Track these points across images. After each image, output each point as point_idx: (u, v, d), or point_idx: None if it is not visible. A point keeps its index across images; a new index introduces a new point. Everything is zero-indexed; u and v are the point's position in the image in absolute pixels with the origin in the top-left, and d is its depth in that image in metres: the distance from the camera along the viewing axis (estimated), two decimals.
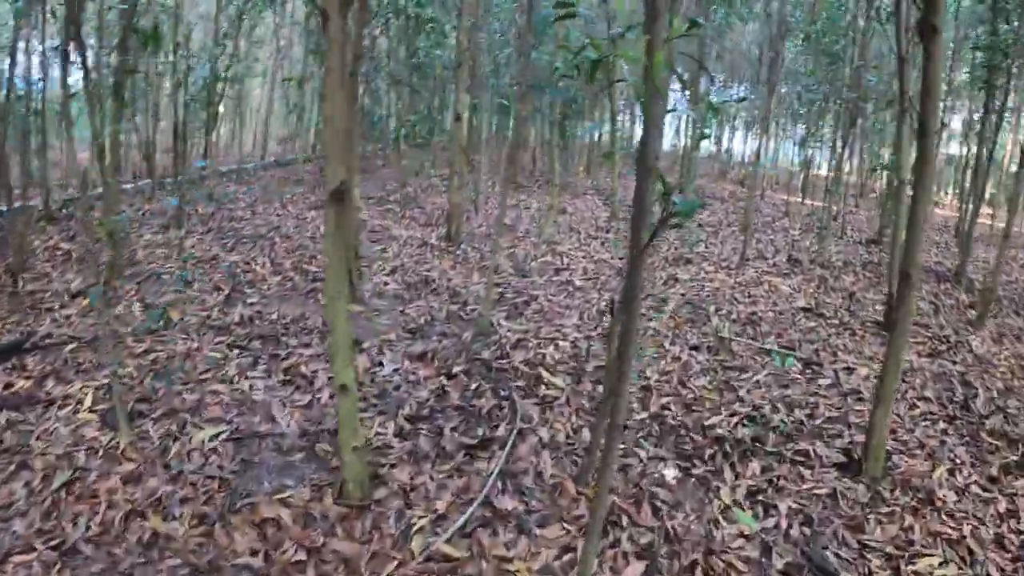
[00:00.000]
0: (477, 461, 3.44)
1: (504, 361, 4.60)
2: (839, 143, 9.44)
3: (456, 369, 4.51)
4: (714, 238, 9.78)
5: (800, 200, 15.10)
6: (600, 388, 4.22)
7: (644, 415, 3.86)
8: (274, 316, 5.67)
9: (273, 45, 16.07)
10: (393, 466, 3.45)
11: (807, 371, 4.64)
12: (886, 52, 10.91)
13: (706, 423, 3.78)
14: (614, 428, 2.07)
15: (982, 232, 12.84)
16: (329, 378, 4.34)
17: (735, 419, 3.83)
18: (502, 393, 4.16)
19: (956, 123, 15.90)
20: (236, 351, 4.92)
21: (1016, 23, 7.22)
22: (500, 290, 6.26)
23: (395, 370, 4.60)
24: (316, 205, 10.85)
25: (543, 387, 4.23)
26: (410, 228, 9.09)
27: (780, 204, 14.16)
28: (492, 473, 3.29)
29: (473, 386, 4.28)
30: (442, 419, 3.91)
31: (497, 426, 3.79)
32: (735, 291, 6.60)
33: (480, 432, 3.73)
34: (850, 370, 4.69)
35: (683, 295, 6.29)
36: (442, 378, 4.41)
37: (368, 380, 4.49)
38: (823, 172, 21.02)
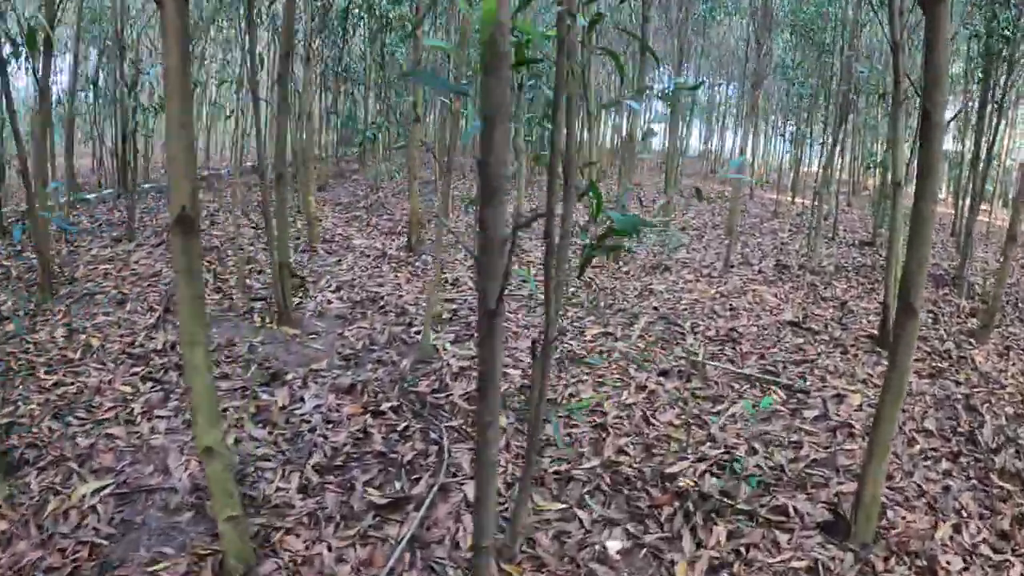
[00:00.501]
0: (388, 525, 2.87)
1: (442, 395, 4.02)
2: (829, 139, 8.86)
3: (385, 405, 3.94)
4: (698, 242, 9.21)
5: (791, 199, 14.56)
6: (549, 427, 3.64)
7: (595, 462, 3.28)
8: None
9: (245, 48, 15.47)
10: (289, 531, 2.88)
11: (791, 400, 4.06)
12: (878, 42, 10.37)
13: (668, 471, 3.20)
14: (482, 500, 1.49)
15: (979, 230, 12.29)
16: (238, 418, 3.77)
17: (703, 465, 3.24)
18: (432, 436, 3.58)
19: (950, 116, 15.36)
20: (149, 384, 4.40)
21: (1017, 7, 6.66)
22: (455, 306, 5.68)
23: (316, 407, 4.03)
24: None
25: None
26: (371, 237, 8.50)
27: (769, 204, 13.60)
28: (402, 541, 2.72)
29: (401, 426, 3.71)
30: (357, 469, 3.33)
31: (419, 479, 3.21)
32: (716, 303, 6.02)
33: (398, 486, 3.16)
34: (840, 397, 4.10)
35: (657, 309, 5.71)
36: (368, 416, 3.84)
37: (283, 420, 3.92)
38: (815, 169, 20.48)
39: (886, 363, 4.99)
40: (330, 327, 5.40)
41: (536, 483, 3.13)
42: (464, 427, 3.66)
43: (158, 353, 4.82)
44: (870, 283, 7.61)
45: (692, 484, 3.09)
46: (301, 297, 6.16)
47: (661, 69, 17.85)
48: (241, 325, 5.49)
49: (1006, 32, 6.83)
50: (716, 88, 21.22)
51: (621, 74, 2.74)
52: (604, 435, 3.54)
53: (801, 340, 5.18)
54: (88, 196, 10.75)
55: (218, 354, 4.93)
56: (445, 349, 4.66)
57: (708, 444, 3.47)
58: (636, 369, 4.37)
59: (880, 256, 9.46)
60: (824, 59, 8.93)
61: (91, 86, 9.52)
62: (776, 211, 12.59)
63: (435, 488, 3.07)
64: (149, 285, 6.51)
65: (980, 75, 7.90)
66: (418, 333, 4.99)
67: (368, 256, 7.43)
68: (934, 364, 4.96)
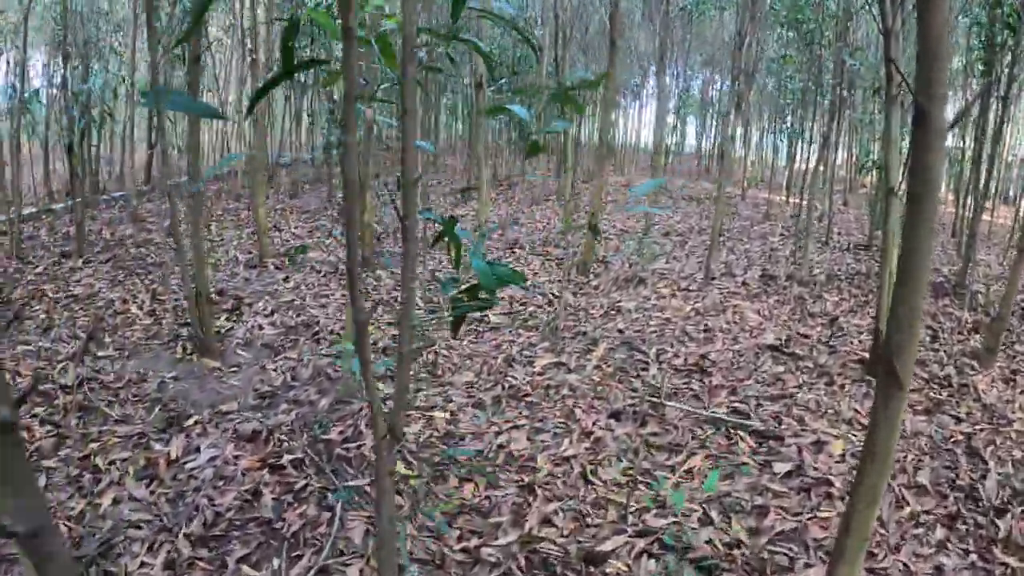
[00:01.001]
0: None
1: (353, 445, 3.46)
2: (820, 136, 8.25)
3: (287, 458, 3.38)
4: (679, 249, 8.62)
5: (784, 199, 13.95)
6: (473, 489, 3.07)
7: (513, 536, 2.71)
8: (112, 377, 4.61)
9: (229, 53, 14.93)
10: None
11: (761, 448, 3.48)
12: (875, 36, 9.78)
13: (599, 549, 2.63)
14: None
15: (980, 230, 11.65)
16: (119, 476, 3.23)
17: (643, 543, 2.67)
18: (329, 498, 3.01)
19: (952, 119, 14.73)
20: (47, 428, 3.91)
21: None
22: (396, 332, 5.11)
23: (211, 459, 3.48)
24: (241, 224, 9.72)
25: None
26: (330, 249, 7.94)
27: (762, 204, 12.99)
28: None
29: (299, 485, 3.15)
30: (237, 541, 2.79)
31: (300, 556, 2.65)
32: (690, 323, 5.44)
33: (276, 565, 2.60)
34: (820, 445, 3.52)
35: (621, 332, 5.13)
36: (265, 471, 3.29)
37: (171, 476, 3.38)
38: (810, 167, 19.83)
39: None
40: (255, 358, 4.85)
41: (435, 564, 2.56)
42: (369, 487, 3.10)
43: (64, 390, 4.31)
44: (864, 294, 7.02)
45: (624, 569, 2.52)
46: (235, 321, 5.61)
47: (650, 67, 17.25)
48: (162, 356, 4.96)
49: (1010, 20, 6.23)
50: (711, 85, 20.59)
51: (490, 70, 2.18)
52: (531, 499, 2.97)
53: (781, 368, 4.59)
54: (55, 206, 10.25)
55: (125, 392, 4.40)
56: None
57: (654, 511, 2.89)
58: (584, 410, 3.79)
59: (877, 261, 8.85)
60: (814, 51, 8.32)
61: (34, 94, 8.99)
62: (768, 212, 11.98)
63: (312, 572, 2.51)
64: (81, 308, 6.00)
65: (981, 67, 7.30)
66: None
67: (319, 272, 6.87)
68: (932, 395, 4.38)
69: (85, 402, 4.20)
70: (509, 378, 4.22)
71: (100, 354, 5.06)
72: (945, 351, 5.28)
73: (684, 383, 4.24)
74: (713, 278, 6.97)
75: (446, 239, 1.67)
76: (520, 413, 3.73)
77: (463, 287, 1.75)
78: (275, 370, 4.62)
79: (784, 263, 8.13)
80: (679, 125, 18.74)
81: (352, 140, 1.30)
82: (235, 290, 6.41)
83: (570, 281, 6.54)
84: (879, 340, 4.52)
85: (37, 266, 7.32)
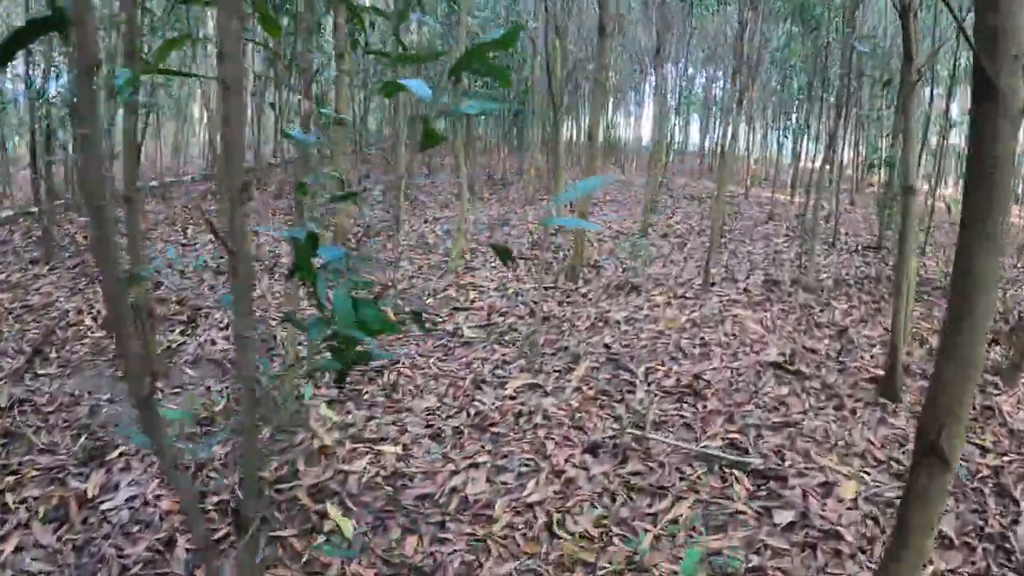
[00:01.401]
0: None
1: (286, 486, 3.00)
2: (827, 134, 7.74)
3: (214, 499, 2.93)
4: (678, 252, 8.13)
5: (789, 198, 13.44)
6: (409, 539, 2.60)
7: None
8: (45, 399, 4.19)
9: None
10: None
11: (760, 492, 3.00)
12: (884, 22, 9.27)
13: None
14: None
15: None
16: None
17: None
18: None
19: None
20: None
21: None
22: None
23: (129, 500, 3.04)
24: (215, 230, 9.26)
25: (321, 536, 2.64)
26: None
27: (766, 203, 12.48)
28: None
29: (220, 534, 2.69)
30: None
31: None
32: (684, 336, 4.96)
33: None
34: (828, 487, 3.04)
35: (607, 347, 4.65)
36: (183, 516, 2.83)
37: (82, 520, 2.95)
38: (815, 164, 19.23)
39: (891, 422, 3.94)
40: (202, 377, 4.40)
41: None
42: (301, 535, 2.64)
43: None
44: (875, 301, 6.52)
45: None
46: (188, 335, 5.17)
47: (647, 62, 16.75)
48: (104, 374, 4.53)
49: None
50: (714, 83, 20.04)
51: (358, 29, 1.72)
52: (483, 557, 2.50)
53: (785, 390, 4.11)
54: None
55: (56, 416, 3.96)
56: (319, 414, 3.63)
57: (628, 574, 2.42)
58: (558, 442, 3.32)
59: (887, 264, 8.35)
60: (820, 38, 7.78)
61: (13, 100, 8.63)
62: (772, 212, 11.47)
63: None
64: (34, 320, 5.58)
65: None
66: (297, 388, 3.97)
67: (282, 281, 6.41)
68: None
69: (13, 427, 3.77)
70: (476, 403, 3.76)
71: (41, 372, 4.64)
72: None
73: (675, 408, 3.76)
74: (712, 284, 6.48)
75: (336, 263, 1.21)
76: (483, 447, 3.26)
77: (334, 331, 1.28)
78: (220, 392, 4.17)
79: (789, 267, 7.64)
80: (681, 123, 18.20)
81: (91, 134, 0.83)
82: (197, 299, 5.97)
83: (556, 288, 6.07)
84: (895, 357, 4.04)
85: (4, 272, 6.93)
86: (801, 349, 4.87)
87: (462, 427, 3.47)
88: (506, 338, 4.76)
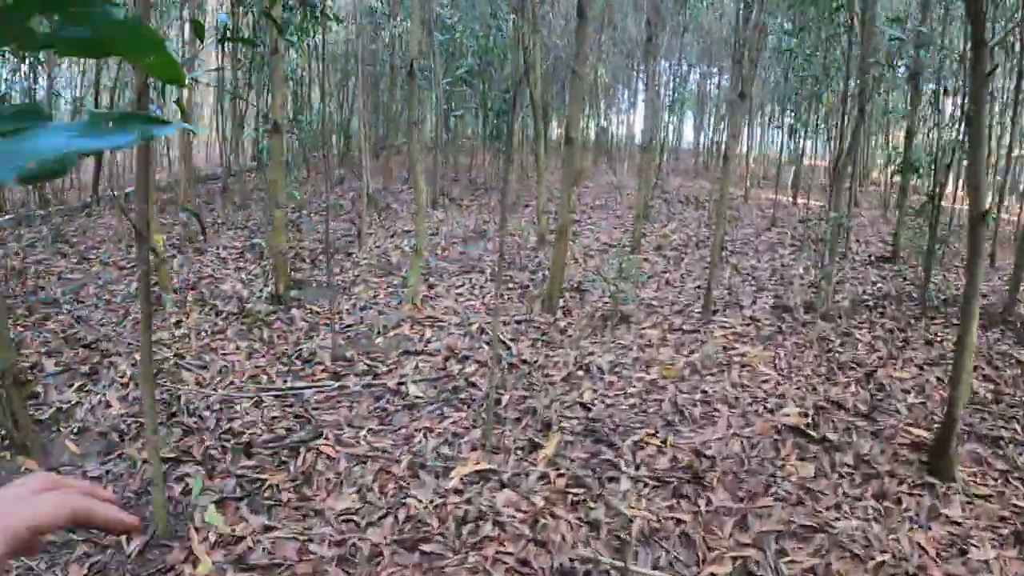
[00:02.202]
0: None
1: None
2: (848, 130, 6.81)
3: None
4: (674, 267, 7.23)
5: (791, 200, 12.56)
6: None
7: None
8: None
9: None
10: None
11: None
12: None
13: None
14: None
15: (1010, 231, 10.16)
16: None
17: None
18: None
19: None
20: None
21: None
22: (280, 409, 3.74)
23: None
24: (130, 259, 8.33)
25: None
26: (247, 279, 6.57)
27: (767, 206, 11.60)
28: None
29: None
30: None
31: None
32: (682, 389, 4.07)
33: None
34: None
35: (586, 409, 3.75)
36: None
37: None
38: (817, 162, 18.37)
39: (946, 513, 3.03)
40: (85, 452, 3.49)
41: None
42: None
43: None
44: (900, 327, 5.65)
45: None
46: (86, 392, 4.25)
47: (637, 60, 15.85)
48: None
49: None
50: (708, 79, 19.17)
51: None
52: None
53: (811, 469, 3.22)
54: None
55: None
56: (204, 522, 2.73)
57: None
58: (509, 569, 2.43)
59: (905, 280, 7.48)
60: (838, 20, 6.80)
61: None
62: (775, 217, 10.58)
63: None
64: None
65: None
66: (188, 479, 3.06)
67: (221, 313, 5.49)
68: (1017, 502, 3.02)
69: None
70: (410, 500, 2.86)
71: None
72: (1021, 420, 3.91)
73: (667, 507, 2.86)
74: (715, 311, 5.59)
75: None
76: None
77: None
78: (99, 477, 3.27)
79: (799, 287, 6.75)
80: (675, 120, 17.28)
81: None
82: (111, 342, 5.04)
83: (531, 321, 5.16)
84: (951, 428, 3.15)
85: None
86: (824, 403, 3.98)
87: (382, 544, 2.57)
88: (461, 397, 3.86)
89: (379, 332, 4.97)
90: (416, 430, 3.47)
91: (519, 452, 3.25)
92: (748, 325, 5.34)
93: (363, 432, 3.45)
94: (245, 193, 11.23)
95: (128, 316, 5.66)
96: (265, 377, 4.24)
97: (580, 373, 4.25)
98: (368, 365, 4.38)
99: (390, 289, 6.11)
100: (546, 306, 5.33)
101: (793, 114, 11.23)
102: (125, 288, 6.48)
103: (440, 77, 9.22)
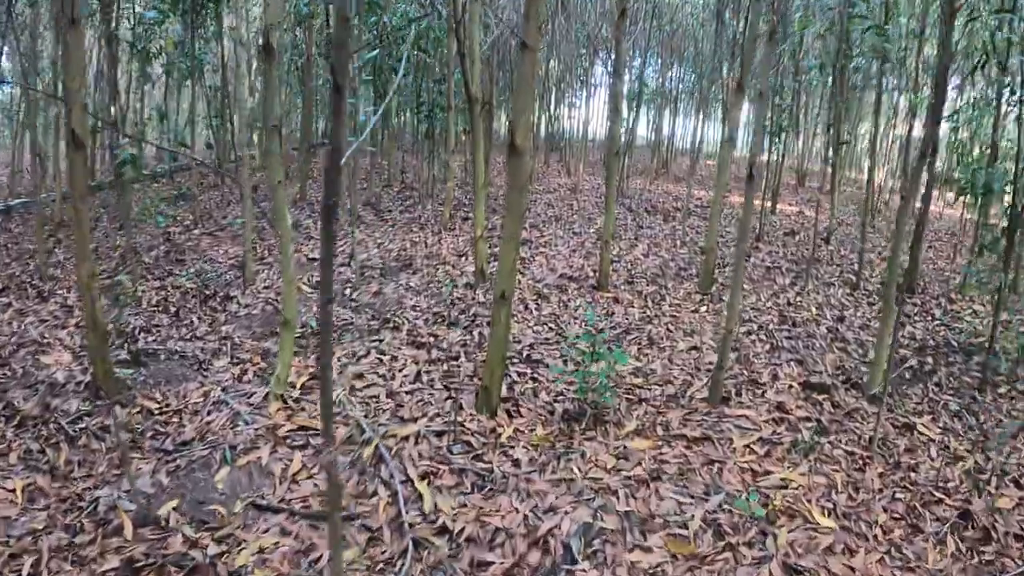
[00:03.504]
0: None
1: None
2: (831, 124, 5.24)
3: None
4: (657, 316, 5.56)
5: (771, 207, 11.11)
6: None
7: None
8: None
9: None
10: None
11: None
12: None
13: None
14: None
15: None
16: None
17: None
18: None
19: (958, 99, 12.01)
20: None
21: None
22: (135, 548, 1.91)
23: None
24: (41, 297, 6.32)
25: None
26: (84, 346, 4.63)
27: (752, 214, 10.08)
28: None
29: None
30: None
31: None
32: (694, 568, 2.40)
33: None
34: None
35: None
36: None
37: None
38: (794, 165, 17.07)
39: None
40: None
41: None
42: None
43: None
44: (968, 407, 4.12)
45: None
46: None
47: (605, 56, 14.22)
48: None
49: None
50: (669, 70, 17.62)
51: None
52: None
53: None
54: None
55: None
56: None
57: None
58: None
59: (935, 319, 6.00)
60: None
61: None
62: (761, 231, 9.03)
63: None
64: None
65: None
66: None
67: (14, 417, 3.58)
68: None
69: None
70: None
71: None
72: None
73: None
74: (726, 398, 3.95)
75: None
76: None
77: None
78: None
79: (825, 342, 5.14)
80: (631, 116, 15.57)
81: None
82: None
83: (462, 431, 3.40)
84: None
85: None
86: None
87: None
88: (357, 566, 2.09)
89: (224, 459, 3.16)
90: None
91: None
92: (778, 423, 3.70)
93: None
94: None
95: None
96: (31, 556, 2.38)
97: (535, 557, 2.53)
98: (187, 538, 2.58)
99: (267, 361, 4.29)
100: (482, 400, 3.59)
101: (782, 104, 9.75)
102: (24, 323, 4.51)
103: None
